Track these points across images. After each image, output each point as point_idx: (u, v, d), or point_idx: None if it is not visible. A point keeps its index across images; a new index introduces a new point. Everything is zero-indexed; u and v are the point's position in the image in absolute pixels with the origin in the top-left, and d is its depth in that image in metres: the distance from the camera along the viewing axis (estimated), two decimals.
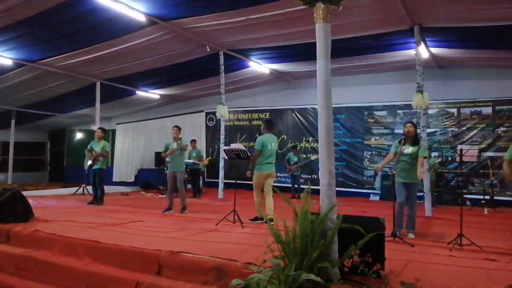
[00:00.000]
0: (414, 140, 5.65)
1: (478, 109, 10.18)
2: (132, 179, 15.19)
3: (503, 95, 9.85)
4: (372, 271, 2.57)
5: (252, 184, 6.69)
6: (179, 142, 7.75)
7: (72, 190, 11.52)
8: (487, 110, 10.09)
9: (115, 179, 15.41)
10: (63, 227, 5.61)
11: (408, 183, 5.56)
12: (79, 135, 16.90)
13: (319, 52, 3.45)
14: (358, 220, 3.45)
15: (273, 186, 6.36)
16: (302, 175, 11.41)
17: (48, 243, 5.02)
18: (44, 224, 5.86)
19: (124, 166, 15.64)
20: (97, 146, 8.81)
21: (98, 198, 8.77)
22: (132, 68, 10.52)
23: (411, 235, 5.51)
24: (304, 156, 11.95)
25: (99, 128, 9.18)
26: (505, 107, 9.87)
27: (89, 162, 8.81)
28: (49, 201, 9.27)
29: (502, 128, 9.90)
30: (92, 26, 7.86)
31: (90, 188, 9.68)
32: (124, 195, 11.57)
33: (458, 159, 10.07)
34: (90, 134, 14.25)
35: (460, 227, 5.01)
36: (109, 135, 15.86)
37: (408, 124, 5.72)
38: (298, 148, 11.71)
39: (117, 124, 16.09)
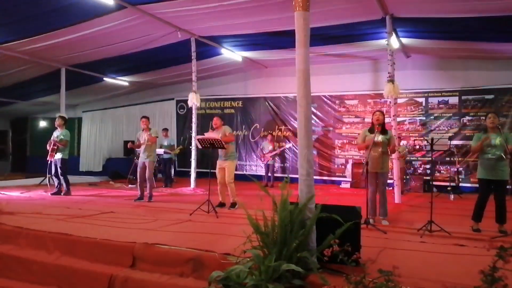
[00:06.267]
0: (383, 128, 5.79)
1: (445, 98, 10.46)
2: (100, 169, 14.76)
3: (468, 85, 10.14)
4: (351, 259, 2.60)
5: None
6: (149, 133, 7.81)
7: (36, 180, 11.04)
8: (454, 100, 10.37)
9: (82, 168, 14.98)
10: (30, 220, 5.39)
11: (379, 172, 5.76)
12: (43, 124, 16.16)
13: (298, 40, 3.39)
14: (335, 209, 3.48)
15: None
16: (275, 164, 11.44)
17: (14, 237, 4.80)
18: (9, 217, 5.61)
19: (92, 155, 15.18)
20: (57, 135, 8.62)
21: (65, 189, 8.57)
22: (99, 54, 10.08)
23: (385, 222, 5.66)
24: (277, 144, 11.96)
25: (59, 116, 8.92)
26: (470, 97, 10.19)
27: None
28: (12, 192, 8.89)
29: (467, 117, 10.24)
30: (57, 9, 7.39)
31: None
32: (92, 185, 11.23)
33: (426, 147, 10.38)
34: (54, 122, 13.65)
35: (430, 214, 5.17)
36: (74, 124, 15.33)
37: (378, 113, 5.84)
38: (273, 136, 11.72)
39: (83, 112, 15.54)
